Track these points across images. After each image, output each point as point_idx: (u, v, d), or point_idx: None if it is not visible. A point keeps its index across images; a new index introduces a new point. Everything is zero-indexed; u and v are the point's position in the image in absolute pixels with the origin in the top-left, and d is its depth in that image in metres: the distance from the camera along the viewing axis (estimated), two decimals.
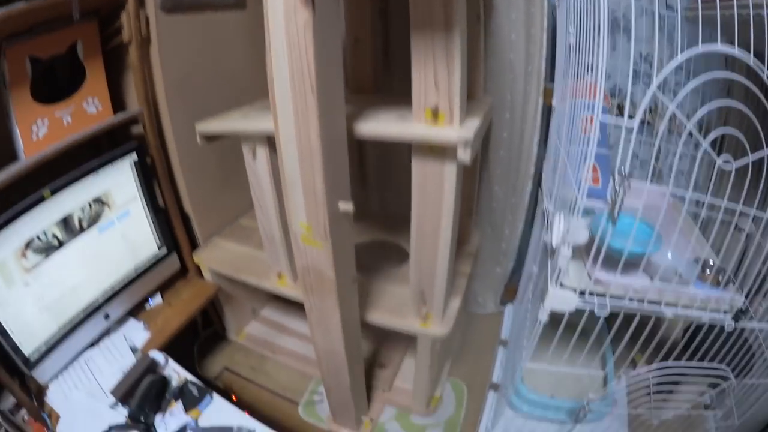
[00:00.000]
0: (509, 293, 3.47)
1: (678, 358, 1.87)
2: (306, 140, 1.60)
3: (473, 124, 1.78)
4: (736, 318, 1.70)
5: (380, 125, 1.86)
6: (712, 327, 1.87)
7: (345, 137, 1.77)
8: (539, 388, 2.42)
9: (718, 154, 1.47)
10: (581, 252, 1.71)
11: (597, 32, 1.47)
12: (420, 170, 1.88)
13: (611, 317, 1.79)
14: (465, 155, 1.69)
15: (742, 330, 1.99)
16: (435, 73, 1.67)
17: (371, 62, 2.65)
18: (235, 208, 3.21)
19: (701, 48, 1.36)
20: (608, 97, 2.33)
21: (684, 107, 1.60)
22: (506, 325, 3.23)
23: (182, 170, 2.69)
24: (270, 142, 2.14)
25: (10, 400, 2.08)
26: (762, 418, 2.12)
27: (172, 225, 2.76)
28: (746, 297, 1.76)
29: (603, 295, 1.67)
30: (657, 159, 2.54)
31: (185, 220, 2.85)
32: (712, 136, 1.49)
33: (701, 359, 1.84)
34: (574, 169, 1.64)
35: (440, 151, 1.78)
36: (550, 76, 2.59)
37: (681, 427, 2.21)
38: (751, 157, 1.43)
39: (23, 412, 2.11)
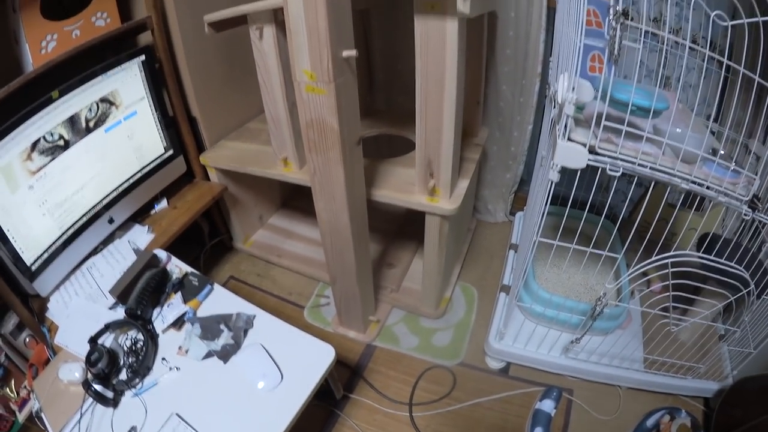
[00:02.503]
0: (519, 202, 3.51)
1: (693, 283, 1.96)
2: None
3: None
4: (752, 206, 1.69)
5: None
6: (726, 241, 1.97)
7: None
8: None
9: (728, 71, 1.50)
10: (588, 122, 1.68)
11: None
12: (423, 28, 1.89)
13: (624, 229, 1.77)
14: (464, 7, 1.71)
15: (758, 251, 2.08)
16: None
17: None
18: (241, 114, 3.18)
19: None
20: None
21: (687, 23, 1.58)
22: (516, 231, 3.27)
23: (190, 75, 2.67)
24: (276, 19, 2.15)
25: (11, 323, 2.11)
26: None
27: (179, 127, 2.75)
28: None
29: (614, 157, 1.65)
30: (664, 66, 2.54)
31: (192, 124, 2.84)
32: None
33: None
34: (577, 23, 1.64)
35: (441, 6, 1.78)
36: None
37: (695, 352, 2.27)
38: (746, 21, 1.45)
39: (25, 334, 2.15)
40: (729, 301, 1.99)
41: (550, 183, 1.79)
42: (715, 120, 2.41)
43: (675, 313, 2.08)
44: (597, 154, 1.64)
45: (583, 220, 1.89)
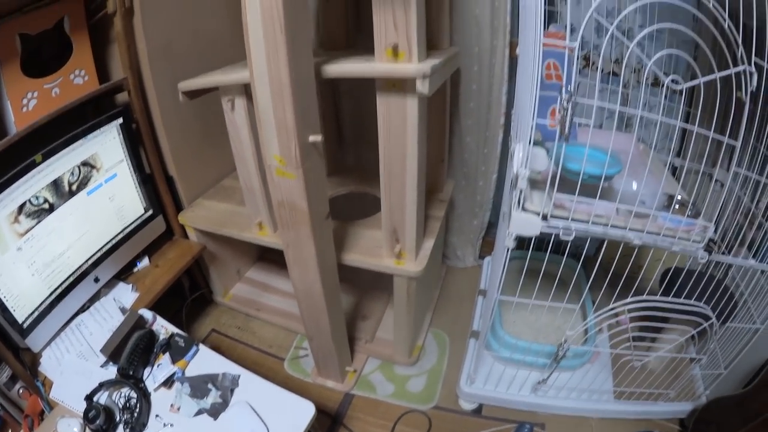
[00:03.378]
0: (487, 246, 3.59)
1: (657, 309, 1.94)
2: (276, 75, 1.68)
3: (432, 61, 1.88)
4: (709, 249, 1.73)
5: (345, 66, 1.96)
6: (690, 272, 1.97)
7: (313, 77, 1.85)
8: (521, 337, 2.49)
9: (690, 106, 1.53)
10: (545, 182, 1.73)
11: None
12: (384, 106, 1.99)
13: (589, 267, 1.83)
14: (423, 87, 1.81)
15: (723, 276, 2.14)
16: (393, 14, 1.75)
17: (342, 21, 2.74)
18: (217, 171, 3.26)
19: None
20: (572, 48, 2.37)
21: (650, 58, 1.63)
22: (485, 276, 3.34)
23: (166, 134, 2.74)
24: (247, 92, 2.22)
25: (4, 375, 2.13)
26: (749, 368, 2.19)
27: (157, 187, 2.82)
28: (725, 244, 1.87)
29: (566, 219, 1.73)
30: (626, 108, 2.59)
31: (170, 182, 2.91)
32: (657, 55, 1.56)
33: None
34: (531, 99, 1.67)
35: (401, 86, 1.89)
36: (516, 31, 2.67)
37: (666, 376, 2.30)
38: (702, 79, 1.48)
39: (18, 386, 2.18)
40: (690, 334, 2.05)
41: (506, 250, 1.87)
42: (678, 154, 2.49)
43: (642, 346, 2.16)
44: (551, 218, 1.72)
45: (546, 260, 1.95)
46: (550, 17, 2.56)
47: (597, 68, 2.66)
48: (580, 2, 2.47)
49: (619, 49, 2.55)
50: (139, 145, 2.65)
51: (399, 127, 2.01)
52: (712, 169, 2.11)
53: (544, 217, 1.73)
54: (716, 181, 1.93)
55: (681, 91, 1.67)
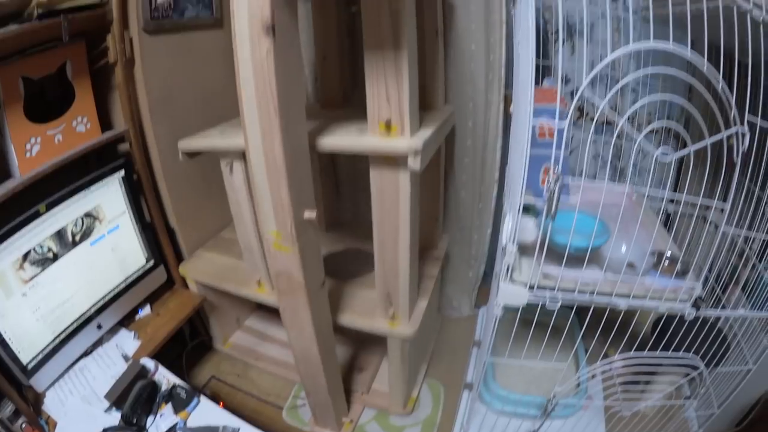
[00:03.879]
0: (484, 296, 3.60)
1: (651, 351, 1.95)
2: (271, 155, 1.74)
3: (424, 134, 1.94)
4: (696, 306, 1.75)
5: (339, 139, 2.02)
6: (682, 319, 1.93)
7: (308, 152, 1.91)
8: (514, 387, 2.51)
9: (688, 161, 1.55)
10: (533, 249, 1.77)
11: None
12: (377, 179, 2.04)
13: (582, 313, 1.87)
14: (415, 164, 1.85)
15: (716, 319, 2.13)
16: (386, 89, 1.83)
17: (339, 78, 2.81)
18: (217, 222, 3.31)
19: (632, 46, 1.40)
20: (565, 100, 2.40)
21: (643, 108, 1.65)
22: (479, 327, 3.36)
23: (167, 186, 2.80)
24: (245, 156, 2.18)
25: (8, 409, 2.17)
26: (742, 406, 2.22)
27: (159, 239, 2.87)
28: (718, 284, 1.90)
29: (553, 289, 1.76)
30: (619, 158, 2.67)
31: (171, 233, 2.96)
32: (648, 128, 1.59)
33: (674, 350, 1.92)
34: (521, 170, 1.68)
35: (394, 161, 1.93)
36: (511, 83, 2.65)
37: (659, 419, 2.30)
38: (692, 148, 1.49)
39: (21, 420, 2.21)
40: (678, 384, 2.11)
41: (495, 319, 1.89)
42: (671, 200, 2.46)
43: (634, 393, 2.16)
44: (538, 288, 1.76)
45: (538, 313, 1.90)
46: (544, 70, 2.61)
47: (591, 118, 2.70)
48: (574, 53, 2.53)
49: (613, 98, 2.56)
50: (141, 196, 2.71)
51: (392, 201, 2.06)
52: (705, 211, 2.11)
53: (531, 287, 1.77)
54: (710, 222, 1.94)
55: (675, 136, 1.66)
